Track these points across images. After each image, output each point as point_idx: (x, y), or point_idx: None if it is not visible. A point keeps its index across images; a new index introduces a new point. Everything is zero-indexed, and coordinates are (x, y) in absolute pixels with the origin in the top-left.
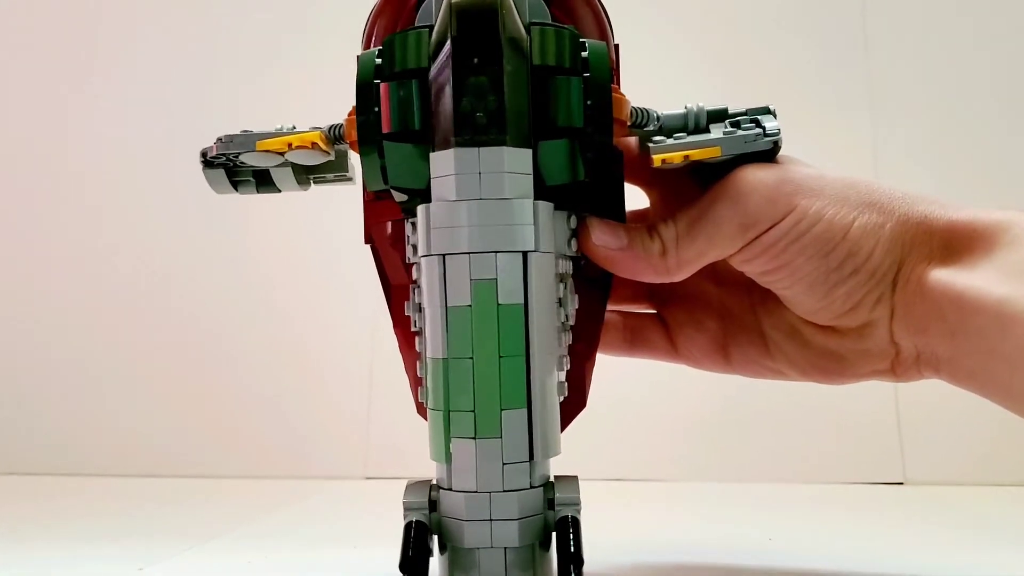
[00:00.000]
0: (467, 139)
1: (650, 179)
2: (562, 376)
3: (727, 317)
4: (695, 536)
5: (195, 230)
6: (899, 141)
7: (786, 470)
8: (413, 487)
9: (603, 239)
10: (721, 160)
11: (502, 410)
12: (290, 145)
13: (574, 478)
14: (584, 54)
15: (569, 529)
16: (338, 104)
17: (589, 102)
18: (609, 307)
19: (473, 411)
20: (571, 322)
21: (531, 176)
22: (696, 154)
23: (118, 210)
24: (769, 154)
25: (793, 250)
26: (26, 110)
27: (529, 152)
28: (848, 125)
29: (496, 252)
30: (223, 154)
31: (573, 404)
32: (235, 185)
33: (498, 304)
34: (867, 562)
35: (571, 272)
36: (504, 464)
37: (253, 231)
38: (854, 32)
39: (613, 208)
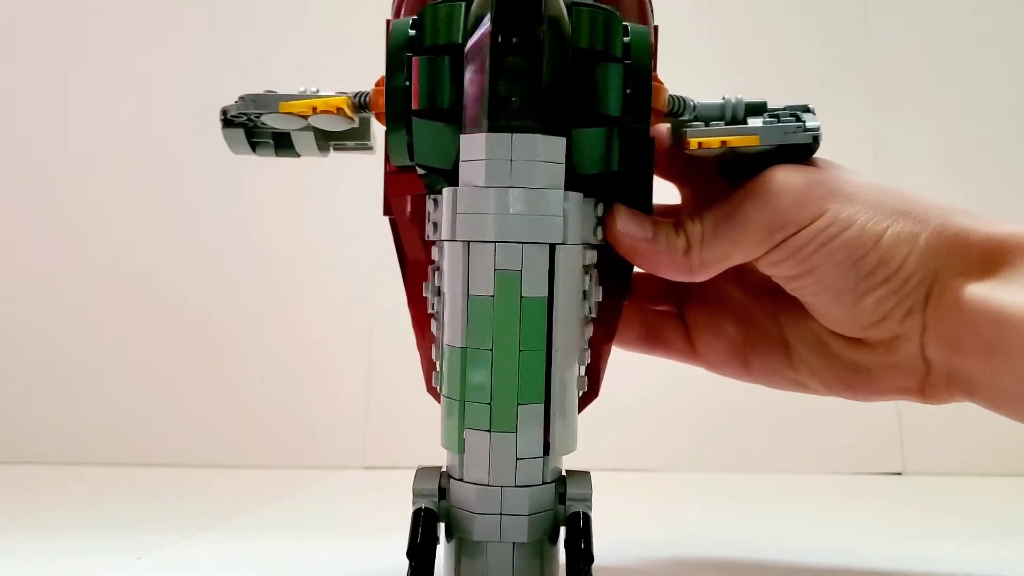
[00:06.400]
0: (500, 124)
1: (683, 174)
2: (582, 370)
3: (749, 324)
4: (694, 526)
5: (192, 217)
6: (900, 131)
7: (785, 460)
8: (423, 473)
9: (629, 228)
10: (758, 151)
11: (519, 405)
12: (314, 109)
13: (586, 473)
14: (626, 39)
15: (580, 526)
16: (362, 69)
17: (628, 90)
18: (629, 302)
19: (489, 404)
20: (594, 315)
21: (563, 165)
22: (734, 140)
23: (115, 197)
24: (807, 150)
25: (821, 255)
26: (24, 93)
27: (563, 140)
28: (849, 114)
29: (523, 243)
30: (244, 113)
31: (586, 393)
32: (253, 146)
33: (521, 297)
34: (865, 552)
35: (596, 263)
36: (518, 459)
37: (251, 218)
38: (855, 19)
39: (640, 198)
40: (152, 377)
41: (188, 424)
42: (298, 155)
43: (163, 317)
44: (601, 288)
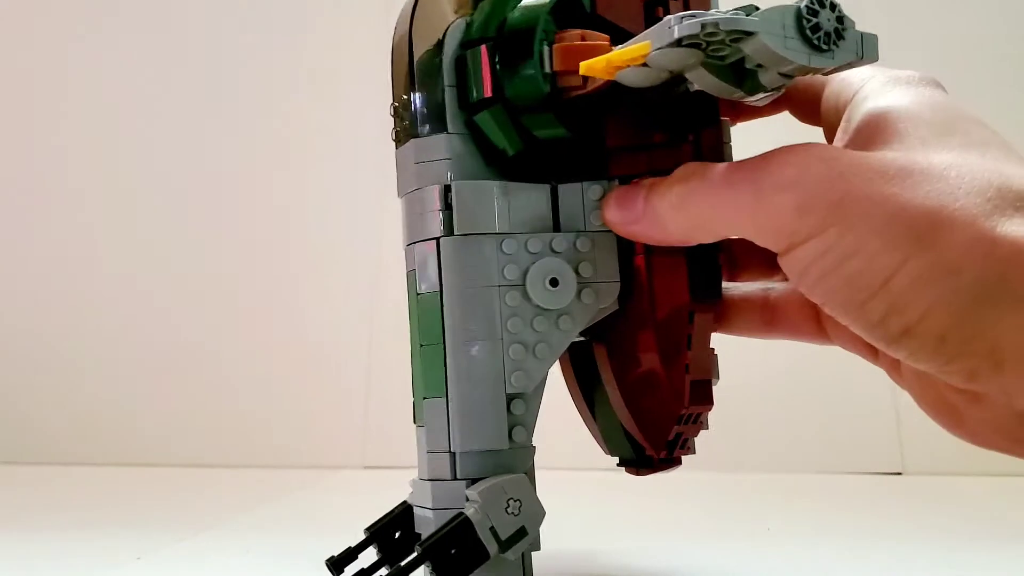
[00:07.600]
0: (394, 139)
1: (822, 116)
2: (530, 365)
3: None
4: (693, 526)
5: (191, 217)
6: None
7: (784, 459)
8: None
9: (612, 215)
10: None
11: (424, 398)
12: None
13: (507, 479)
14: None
15: (439, 526)
16: (363, 69)
17: (499, 67)
18: (766, 282)
19: (413, 398)
20: (552, 305)
21: (448, 160)
22: (618, 57)
23: (115, 197)
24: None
25: (821, 290)
26: (23, 93)
27: (443, 137)
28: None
29: (413, 243)
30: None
31: (659, 402)
32: None
33: (417, 294)
34: (865, 552)
35: (580, 248)
36: (427, 452)
37: (249, 218)
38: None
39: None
40: (152, 377)
41: (189, 424)
42: None
43: (163, 317)
44: (576, 278)
